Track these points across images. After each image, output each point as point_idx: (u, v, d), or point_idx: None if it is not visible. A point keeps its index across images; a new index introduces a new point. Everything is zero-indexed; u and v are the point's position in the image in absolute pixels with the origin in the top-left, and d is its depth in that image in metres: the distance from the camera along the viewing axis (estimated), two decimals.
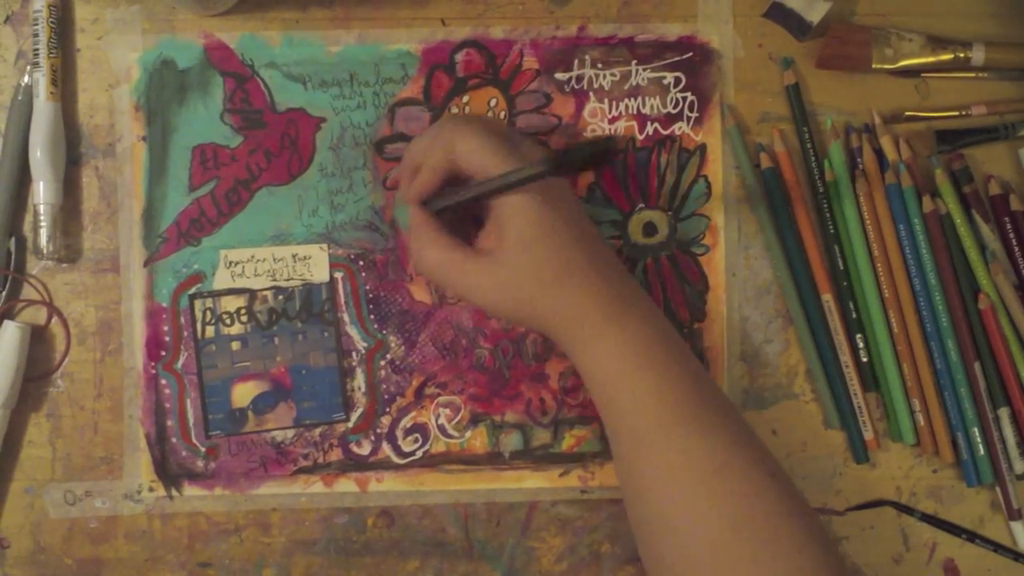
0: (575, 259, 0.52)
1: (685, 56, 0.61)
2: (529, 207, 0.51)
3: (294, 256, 0.60)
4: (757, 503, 0.49)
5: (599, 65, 0.61)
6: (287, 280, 0.60)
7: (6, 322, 0.58)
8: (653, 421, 0.51)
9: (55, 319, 0.59)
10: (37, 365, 0.59)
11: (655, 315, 0.53)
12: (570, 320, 0.52)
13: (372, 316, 0.60)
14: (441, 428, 0.60)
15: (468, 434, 0.60)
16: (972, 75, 0.61)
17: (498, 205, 0.52)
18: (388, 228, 0.60)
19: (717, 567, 0.49)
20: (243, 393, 0.60)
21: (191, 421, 0.59)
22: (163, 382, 0.59)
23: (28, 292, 0.59)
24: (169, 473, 0.59)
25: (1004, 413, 0.60)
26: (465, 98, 0.60)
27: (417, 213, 0.54)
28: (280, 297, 0.60)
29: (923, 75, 0.61)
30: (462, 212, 0.55)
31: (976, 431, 0.60)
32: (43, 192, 0.57)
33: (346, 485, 0.60)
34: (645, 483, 0.51)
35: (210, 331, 0.59)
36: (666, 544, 0.51)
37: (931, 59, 0.60)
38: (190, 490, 0.59)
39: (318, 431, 0.60)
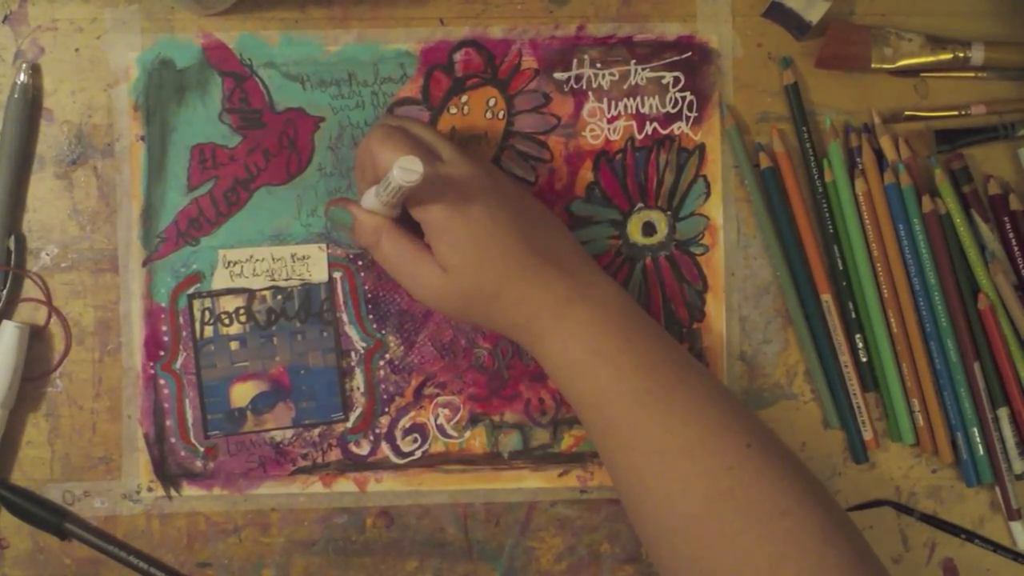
0: (512, 265, 0.52)
1: (684, 56, 0.61)
2: (443, 228, 0.51)
3: (293, 256, 0.60)
4: (732, 475, 0.50)
5: (598, 65, 0.60)
6: (286, 280, 0.60)
7: (5, 322, 0.58)
8: (615, 409, 0.51)
9: (54, 319, 0.59)
10: (36, 365, 0.59)
11: (610, 300, 0.53)
12: (520, 323, 0.53)
13: (371, 316, 0.60)
14: (440, 428, 0.60)
15: (467, 434, 0.60)
16: (971, 75, 0.61)
17: (420, 222, 0.53)
18: None
19: (700, 539, 0.49)
20: (242, 393, 0.60)
21: (190, 421, 0.59)
22: (162, 382, 0.59)
23: (27, 291, 0.59)
24: (168, 473, 0.59)
25: (1003, 413, 0.60)
26: (464, 98, 0.60)
27: (358, 208, 0.55)
28: (279, 297, 0.60)
29: (922, 75, 0.61)
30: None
31: (975, 431, 0.60)
32: None
33: (345, 485, 0.60)
34: (620, 466, 0.52)
35: (209, 331, 0.59)
36: (649, 519, 0.51)
37: (930, 59, 0.60)
38: (189, 490, 0.59)
39: (317, 431, 0.60)
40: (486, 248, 0.52)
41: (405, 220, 0.54)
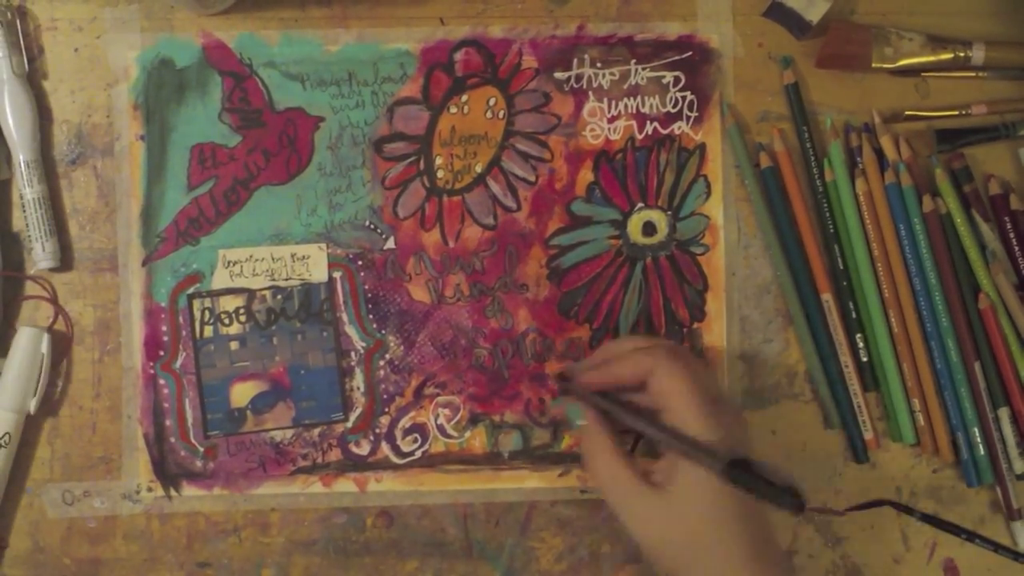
0: (736, 538, 0.50)
1: (684, 55, 0.61)
2: (708, 484, 0.50)
3: (293, 255, 0.60)
4: None
5: (598, 64, 0.60)
6: (286, 280, 0.60)
7: (22, 328, 0.58)
8: None
9: (59, 319, 0.59)
10: None
11: None
12: None
13: (371, 316, 0.60)
14: (440, 428, 0.60)
15: (467, 434, 0.60)
16: (972, 74, 0.61)
17: (679, 457, 0.51)
18: (387, 227, 0.60)
19: None
20: (242, 393, 0.59)
21: (190, 421, 0.59)
22: (161, 382, 0.59)
23: (27, 291, 0.59)
24: (168, 473, 0.59)
25: (1004, 413, 0.60)
26: (464, 97, 0.60)
27: (593, 414, 0.54)
28: (279, 297, 0.60)
29: (923, 74, 0.61)
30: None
31: (976, 431, 0.60)
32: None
33: (345, 485, 0.60)
34: None
35: (208, 331, 0.59)
36: None
37: (931, 58, 0.60)
38: (189, 490, 0.59)
39: (317, 431, 0.60)
40: (727, 505, 0.50)
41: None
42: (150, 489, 0.59)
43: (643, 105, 0.61)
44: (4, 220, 0.59)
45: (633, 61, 0.61)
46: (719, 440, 0.50)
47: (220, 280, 0.59)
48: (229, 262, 0.59)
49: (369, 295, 0.60)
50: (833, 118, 0.61)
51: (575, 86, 0.60)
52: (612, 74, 0.60)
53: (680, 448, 0.50)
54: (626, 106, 0.61)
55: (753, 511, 0.50)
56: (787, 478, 0.47)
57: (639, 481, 0.51)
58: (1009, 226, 0.60)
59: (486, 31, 0.60)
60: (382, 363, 0.60)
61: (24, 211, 0.58)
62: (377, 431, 0.60)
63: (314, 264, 0.60)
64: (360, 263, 0.60)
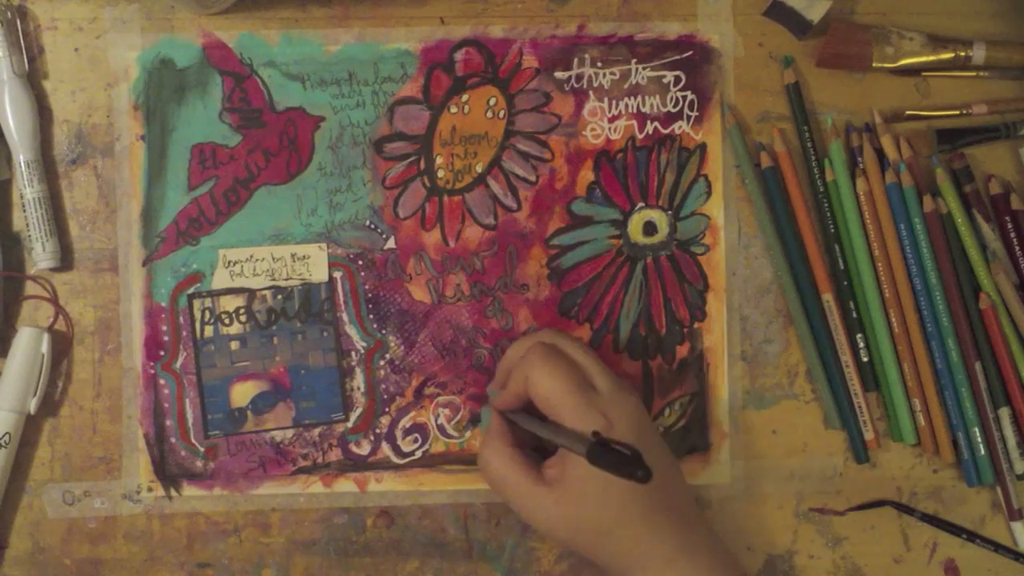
0: (635, 506, 0.52)
1: (685, 55, 0.61)
2: (594, 469, 0.51)
3: (293, 255, 0.60)
4: None
5: (599, 64, 0.60)
6: (286, 280, 0.60)
7: (23, 328, 0.58)
8: None
9: (59, 319, 0.59)
10: None
11: (716, 555, 0.53)
12: (626, 564, 0.53)
13: (371, 316, 0.60)
14: (440, 428, 0.60)
15: (468, 434, 0.60)
16: (972, 74, 0.61)
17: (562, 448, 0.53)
18: (387, 227, 0.60)
19: None
20: (242, 393, 0.59)
21: (190, 421, 0.59)
22: (162, 382, 0.59)
23: (26, 291, 0.59)
24: (168, 473, 0.59)
25: (1005, 413, 0.60)
26: (464, 97, 0.60)
27: (494, 419, 0.56)
28: (279, 297, 0.60)
29: (923, 74, 0.61)
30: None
31: (977, 431, 0.60)
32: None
33: (345, 485, 0.60)
34: None
35: (209, 331, 0.59)
36: None
37: (931, 58, 0.60)
38: (189, 490, 0.59)
39: (317, 431, 0.60)
40: (616, 483, 0.51)
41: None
42: (150, 489, 0.59)
43: (643, 105, 0.61)
44: (4, 220, 0.59)
45: (633, 61, 0.60)
46: (599, 428, 0.51)
47: (220, 280, 0.59)
48: (229, 262, 0.59)
49: (369, 295, 0.60)
50: (833, 118, 0.61)
51: (575, 86, 0.60)
52: (612, 74, 0.60)
53: (557, 440, 0.52)
54: (627, 106, 0.61)
55: (654, 487, 0.51)
56: (634, 453, 0.48)
57: (532, 480, 0.53)
58: (1010, 226, 0.60)
59: (486, 31, 0.60)
60: (382, 363, 0.60)
61: (24, 211, 0.58)
62: (377, 431, 0.60)
63: (314, 264, 0.60)
64: (360, 263, 0.60)
